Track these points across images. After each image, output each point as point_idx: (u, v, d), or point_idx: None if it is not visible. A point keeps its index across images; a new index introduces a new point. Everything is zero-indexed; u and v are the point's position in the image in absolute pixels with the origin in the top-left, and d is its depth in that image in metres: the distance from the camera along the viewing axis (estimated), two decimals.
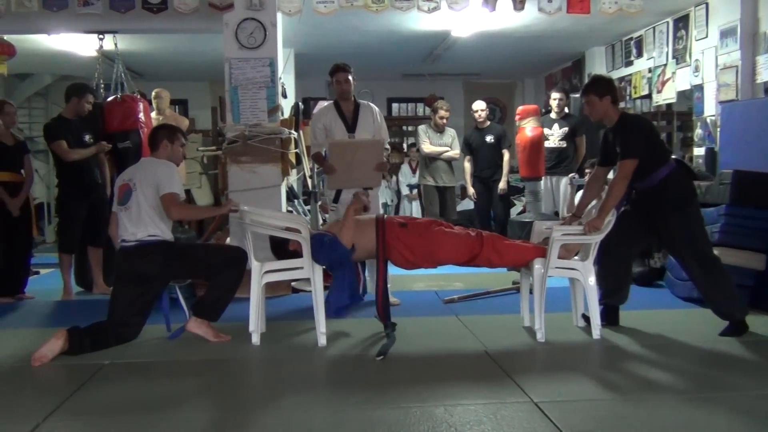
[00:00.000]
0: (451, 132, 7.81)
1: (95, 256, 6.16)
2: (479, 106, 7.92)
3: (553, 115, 7.65)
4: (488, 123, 7.95)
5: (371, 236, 4.37)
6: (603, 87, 4.46)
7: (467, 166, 7.94)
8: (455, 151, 7.76)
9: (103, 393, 3.48)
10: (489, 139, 7.78)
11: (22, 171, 6.06)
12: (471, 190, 7.97)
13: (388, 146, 5.62)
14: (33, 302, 5.93)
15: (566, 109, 7.72)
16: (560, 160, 7.53)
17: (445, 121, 7.71)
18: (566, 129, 7.50)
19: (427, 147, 7.67)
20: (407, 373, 3.74)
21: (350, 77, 5.51)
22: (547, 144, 7.44)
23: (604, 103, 4.42)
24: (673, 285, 5.65)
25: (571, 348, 4.21)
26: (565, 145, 7.52)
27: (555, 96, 7.62)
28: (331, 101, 5.82)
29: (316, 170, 6.66)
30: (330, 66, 5.65)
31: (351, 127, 5.54)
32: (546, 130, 7.46)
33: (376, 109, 5.66)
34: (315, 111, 6.13)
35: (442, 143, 7.70)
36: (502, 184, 7.77)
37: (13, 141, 6.03)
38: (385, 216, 4.61)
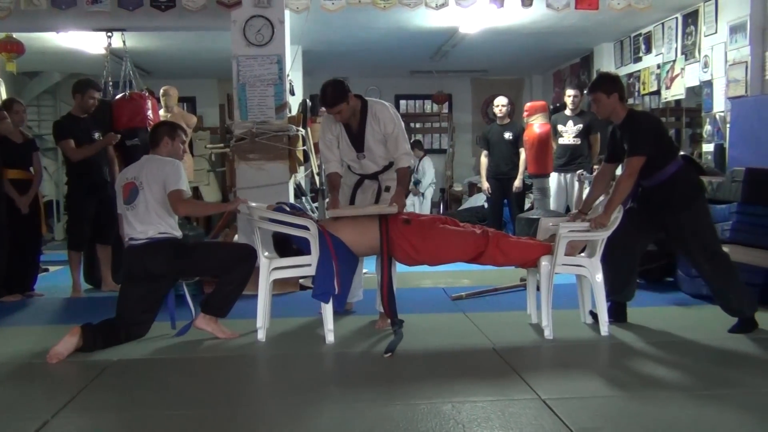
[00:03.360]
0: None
1: (104, 253, 6.18)
2: (500, 102, 7.91)
3: (567, 111, 7.58)
4: (508, 119, 7.92)
5: (374, 232, 4.35)
6: (610, 84, 4.44)
7: (483, 161, 7.93)
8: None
9: (111, 390, 3.50)
10: (507, 135, 7.75)
11: (31, 169, 6.09)
12: (486, 185, 7.95)
13: (411, 162, 4.76)
14: (42, 299, 5.96)
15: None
16: (574, 157, 7.43)
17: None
18: (581, 126, 7.42)
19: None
20: (415, 370, 3.74)
21: (341, 107, 4.51)
22: (561, 141, 7.39)
23: (612, 100, 4.40)
24: (682, 282, 5.62)
25: (579, 345, 4.20)
26: (579, 142, 7.42)
27: (570, 93, 7.56)
28: None
29: (323, 168, 6.61)
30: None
31: (359, 146, 4.75)
32: (560, 127, 7.40)
33: (388, 114, 4.66)
34: (321, 116, 5.82)
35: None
36: (517, 182, 7.77)
37: (23, 139, 6.05)
38: None
